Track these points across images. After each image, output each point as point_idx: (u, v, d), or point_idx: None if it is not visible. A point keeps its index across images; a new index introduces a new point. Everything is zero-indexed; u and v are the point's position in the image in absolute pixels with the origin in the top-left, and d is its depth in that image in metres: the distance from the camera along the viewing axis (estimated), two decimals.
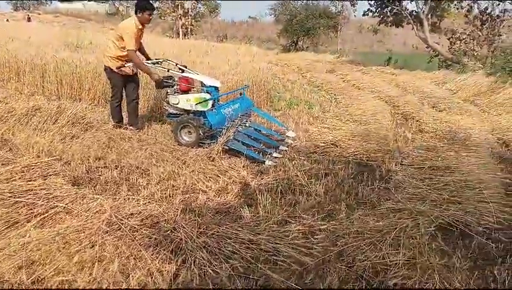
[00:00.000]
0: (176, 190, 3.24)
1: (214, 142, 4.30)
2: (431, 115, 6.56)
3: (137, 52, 4.74)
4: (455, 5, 15.97)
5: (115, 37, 4.61)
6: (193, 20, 31.85)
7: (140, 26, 4.61)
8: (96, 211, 2.58)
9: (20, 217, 2.47)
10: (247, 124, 5.02)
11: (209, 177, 3.58)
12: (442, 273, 2.16)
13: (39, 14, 40.34)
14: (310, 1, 31.08)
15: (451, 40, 15.76)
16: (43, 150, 3.65)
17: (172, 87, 4.67)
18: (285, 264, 2.22)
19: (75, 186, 3.05)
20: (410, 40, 26.71)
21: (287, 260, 2.25)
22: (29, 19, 30.88)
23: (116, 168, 3.56)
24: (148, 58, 4.97)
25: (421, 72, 12.90)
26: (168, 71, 4.67)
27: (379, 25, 18.49)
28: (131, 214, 2.61)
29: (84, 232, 2.33)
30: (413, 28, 16.41)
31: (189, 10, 31.14)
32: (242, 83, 6.69)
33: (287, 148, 4.54)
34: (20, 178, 2.95)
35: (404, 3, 16.61)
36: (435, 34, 17.07)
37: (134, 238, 2.34)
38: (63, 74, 6.65)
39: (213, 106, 4.51)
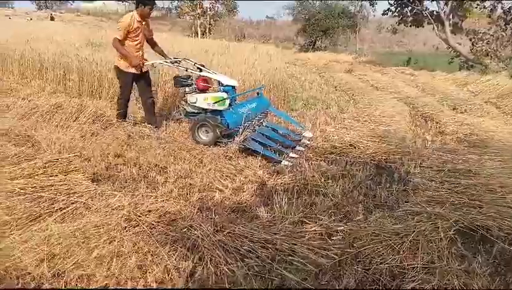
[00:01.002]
0: (193, 188, 3.27)
1: (230, 141, 4.33)
2: (451, 116, 6.43)
3: (153, 49, 4.98)
4: (478, 4, 15.60)
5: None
6: (211, 20, 32.03)
7: (139, 19, 4.67)
8: (115, 207, 2.62)
9: (42, 212, 2.53)
10: (263, 124, 5.03)
11: (226, 176, 3.60)
12: (461, 279, 2.12)
13: (61, 13, 41.18)
14: (329, 0, 30.85)
15: (473, 40, 15.39)
16: (64, 146, 3.72)
17: (191, 86, 4.72)
18: (301, 264, 2.21)
19: (95, 183, 3.11)
20: (431, 41, 26.23)
21: (303, 260, 2.24)
22: (52, 18, 31.56)
23: (134, 166, 3.61)
24: (163, 55, 5.03)
25: (442, 73, 12.68)
26: (186, 70, 4.72)
27: (398, 25, 18.19)
28: (149, 211, 2.65)
29: (103, 227, 2.37)
30: (433, 28, 16.12)
31: (208, 9, 31.33)
32: (259, 83, 6.69)
33: (303, 149, 4.52)
34: (42, 173, 3.03)
35: (425, 3, 16.30)
36: (456, 35, 16.71)
37: (152, 234, 2.37)
38: (84, 72, 6.79)
39: (230, 105, 4.53)
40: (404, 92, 8.94)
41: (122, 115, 4.96)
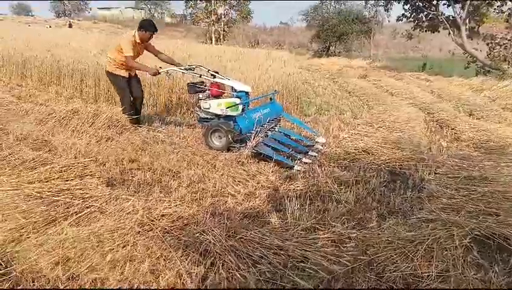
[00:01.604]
0: (205, 193, 3.28)
1: (243, 146, 4.36)
2: (467, 123, 6.34)
3: (165, 61, 5.26)
4: (495, 9, 15.38)
5: (116, 49, 5.04)
6: (225, 26, 32.30)
7: (138, 41, 4.97)
8: (129, 212, 2.65)
9: (57, 215, 2.57)
10: (276, 129, 5.05)
11: (238, 181, 3.60)
12: (477, 288, 2.07)
13: (79, 20, 42.09)
14: (343, 3, 30.79)
15: (490, 45, 15.18)
16: (80, 151, 3.79)
17: (204, 92, 4.77)
18: (313, 271, 2.20)
19: (109, 187, 3.14)
20: (446, 46, 25.93)
21: (315, 267, 2.22)
22: (70, 25, 32.27)
23: (149, 170, 3.65)
24: (172, 63, 5.18)
25: (458, 79, 12.53)
26: (200, 76, 4.78)
27: (414, 30, 18.06)
28: (163, 215, 2.67)
29: (117, 231, 2.39)
30: (449, 33, 15.96)
31: (222, 16, 31.60)
32: (273, 88, 6.71)
33: (316, 154, 4.51)
34: (58, 178, 3.08)
35: (440, 7, 16.16)
36: (473, 40, 16.49)
37: (165, 239, 2.38)
38: (100, 79, 6.92)
39: (243, 110, 4.57)
40: (419, 98, 8.85)
41: (134, 120, 5.15)
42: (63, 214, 2.59)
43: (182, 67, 4.99)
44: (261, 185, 3.55)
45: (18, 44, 9.70)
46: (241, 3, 33.98)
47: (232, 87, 4.72)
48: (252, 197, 3.30)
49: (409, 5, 17.11)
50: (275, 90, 5.72)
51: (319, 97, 9.00)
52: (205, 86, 4.80)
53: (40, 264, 2.08)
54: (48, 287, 1.97)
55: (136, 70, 5.23)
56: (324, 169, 3.91)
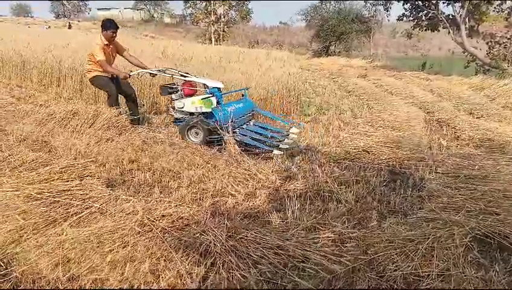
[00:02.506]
0: (205, 193, 3.28)
1: (221, 140, 4.54)
2: (467, 121, 6.34)
3: (135, 64, 5.38)
4: (495, 8, 15.38)
5: (90, 59, 5.17)
6: (225, 26, 32.29)
7: (106, 42, 5.04)
8: (129, 213, 2.65)
9: (57, 216, 2.57)
10: (251, 123, 5.35)
11: (239, 181, 3.60)
12: (478, 287, 2.07)
13: (78, 21, 42.07)
14: (342, 3, 30.79)
15: (490, 44, 15.18)
16: (80, 152, 3.79)
17: (177, 92, 4.93)
18: (313, 271, 2.19)
19: (109, 188, 3.14)
20: (446, 45, 25.94)
21: (316, 267, 2.22)
22: (69, 26, 32.27)
23: (148, 171, 3.65)
24: (143, 67, 5.26)
25: (457, 78, 12.52)
26: (172, 78, 4.95)
27: (413, 29, 18.06)
28: (163, 216, 2.66)
29: (117, 232, 2.39)
30: (449, 32, 15.95)
31: (222, 16, 31.60)
32: (272, 88, 6.72)
33: (292, 141, 4.87)
34: (58, 178, 3.08)
35: (440, 6, 16.15)
36: (473, 39, 16.48)
37: (165, 239, 2.38)
38: None
39: (219, 103, 4.77)
40: (419, 97, 8.84)
41: (134, 120, 5.24)
42: (63, 215, 2.59)
43: (153, 70, 5.14)
44: (262, 185, 3.55)
45: (17, 45, 9.69)
46: (241, 3, 33.96)
47: (205, 84, 4.87)
48: (252, 197, 3.29)
49: (408, 4, 17.10)
50: (246, 87, 5.93)
51: (318, 97, 9.00)
52: (177, 86, 4.94)
53: (40, 265, 2.08)
54: (48, 288, 1.97)
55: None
56: (324, 169, 3.91)
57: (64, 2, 50.85)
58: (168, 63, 8.28)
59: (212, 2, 30.83)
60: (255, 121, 5.54)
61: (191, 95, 4.90)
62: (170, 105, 5.07)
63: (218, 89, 4.90)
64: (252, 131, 4.97)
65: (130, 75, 5.05)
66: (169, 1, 60.16)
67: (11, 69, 8.57)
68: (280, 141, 4.85)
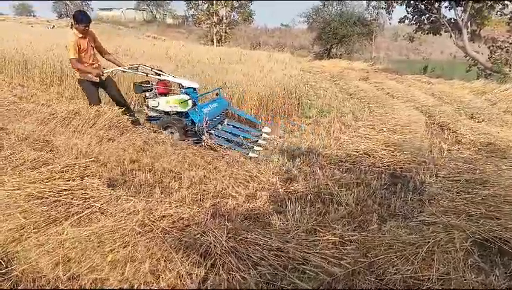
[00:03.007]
0: (206, 194, 3.28)
1: (198, 140, 4.59)
2: (469, 126, 6.33)
3: (111, 61, 5.23)
4: (497, 12, 15.39)
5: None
6: (227, 28, 32.33)
7: (80, 35, 4.83)
8: (130, 213, 2.65)
9: (58, 215, 2.58)
10: (225, 122, 5.46)
11: (239, 182, 3.60)
12: None
13: None
14: (344, 4, 30.81)
15: (491, 48, 15.18)
16: (81, 151, 3.79)
17: (151, 91, 4.93)
18: (313, 273, 2.19)
19: (110, 188, 3.14)
20: (448, 49, 25.95)
21: (316, 269, 2.22)
22: (72, 26, 32.27)
23: (149, 171, 3.65)
24: (116, 63, 5.19)
25: (459, 82, 12.51)
26: (147, 76, 4.92)
27: (415, 33, 18.07)
28: (163, 216, 2.67)
29: (117, 232, 2.40)
30: (451, 36, 15.96)
31: (224, 18, 31.64)
32: (274, 90, 6.72)
33: (265, 142, 5.10)
34: (59, 178, 3.09)
35: (442, 10, 16.17)
36: (474, 43, 16.49)
37: (165, 240, 2.38)
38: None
39: (195, 104, 4.80)
40: (420, 101, 8.84)
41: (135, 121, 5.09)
42: (63, 214, 2.59)
43: (126, 67, 5.04)
44: (262, 187, 3.55)
45: (20, 44, 9.71)
46: (243, 5, 33.99)
47: (180, 84, 4.88)
48: (252, 199, 3.30)
49: (411, 8, 17.11)
50: (220, 86, 6.03)
51: (320, 99, 9.00)
52: (151, 84, 4.95)
53: (41, 264, 2.09)
54: (48, 288, 1.97)
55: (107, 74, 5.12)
56: (325, 171, 3.91)
57: (67, 2, 50.95)
58: (171, 64, 8.30)
59: (214, 3, 30.88)
60: (228, 120, 5.65)
61: (165, 94, 4.91)
62: (144, 103, 5.05)
63: (194, 89, 4.92)
64: (227, 132, 5.08)
65: (103, 73, 4.89)
66: (171, 1, 60.11)
67: (13, 68, 8.59)
68: (255, 142, 5.03)
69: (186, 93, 4.77)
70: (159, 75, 4.94)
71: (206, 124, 4.69)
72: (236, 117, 6.10)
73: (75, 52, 4.76)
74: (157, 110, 4.86)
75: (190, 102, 4.71)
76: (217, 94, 5.62)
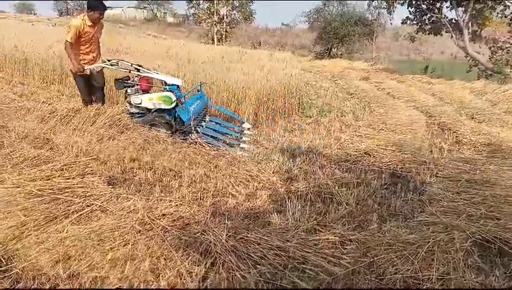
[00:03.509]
0: (206, 193, 3.28)
1: (186, 137, 4.60)
2: (469, 126, 6.33)
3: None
4: (498, 13, 15.38)
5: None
6: (228, 27, 32.31)
7: (89, 24, 4.73)
8: (130, 211, 2.65)
9: (58, 213, 2.57)
10: (207, 119, 5.48)
11: (239, 181, 3.60)
12: None
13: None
14: (345, 5, 30.78)
15: (492, 49, 15.18)
16: (82, 149, 3.79)
17: (133, 87, 4.86)
18: (313, 273, 2.19)
19: (111, 186, 3.14)
20: (449, 49, 25.93)
21: (316, 268, 2.22)
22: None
23: (150, 170, 3.65)
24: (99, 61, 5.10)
25: (459, 82, 12.51)
26: (130, 72, 4.87)
27: (417, 33, 18.05)
28: (163, 214, 2.67)
29: (117, 230, 2.39)
30: (452, 37, 15.95)
31: (225, 17, 31.62)
32: (274, 90, 6.72)
33: (248, 139, 5.24)
34: (59, 176, 3.09)
35: (443, 11, 16.15)
36: (475, 43, 16.48)
37: (165, 238, 2.38)
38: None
39: (182, 103, 4.77)
40: (421, 101, 8.84)
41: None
42: (64, 212, 2.59)
43: (107, 63, 4.94)
44: (262, 186, 3.55)
45: (20, 42, 9.70)
46: (244, 4, 33.96)
47: (163, 81, 4.84)
48: (252, 198, 3.30)
49: (413, 8, 17.09)
50: (201, 82, 5.93)
51: (320, 99, 9.00)
52: (133, 80, 4.88)
53: (41, 261, 2.08)
54: (48, 285, 1.97)
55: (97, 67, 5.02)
56: (325, 170, 3.91)
57: (68, 1, 50.96)
58: (172, 63, 8.29)
59: (215, 2, 30.86)
60: (210, 117, 5.68)
61: (147, 91, 4.87)
62: (126, 100, 5.00)
63: (177, 86, 4.86)
64: (212, 129, 5.12)
65: (84, 69, 4.81)
66: (172, 0, 60.08)
67: (14, 66, 8.59)
68: (239, 139, 5.16)
69: (170, 90, 4.73)
70: (138, 70, 4.86)
71: (193, 120, 4.71)
72: (213, 113, 6.19)
73: (73, 36, 4.65)
74: (139, 107, 4.81)
75: (174, 100, 4.67)
76: (198, 90, 5.57)
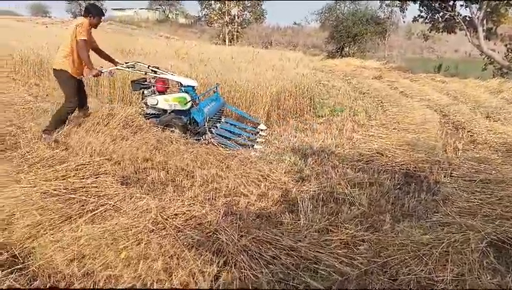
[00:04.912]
0: (218, 192, 3.30)
1: (198, 139, 4.63)
2: (484, 125, 6.23)
3: (107, 58, 4.83)
4: None
5: (72, 37, 4.34)
6: (239, 27, 32.38)
7: (88, 28, 4.47)
8: (143, 210, 2.68)
9: (73, 213, 2.62)
10: (222, 120, 5.55)
11: (251, 181, 3.61)
12: None
13: None
14: (357, 3, 30.52)
15: (508, 46, 14.90)
16: (95, 150, 3.84)
17: (149, 88, 4.92)
18: (325, 273, 2.19)
19: (124, 186, 3.18)
20: (463, 47, 25.55)
21: (328, 269, 2.21)
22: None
23: (162, 170, 3.68)
24: (112, 61, 4.88)
25: (474, 80, 12.32)
26: (146, 74, 4.91)
27: (430, 32, 17.81)
28: (176, 214, 2.69)
29: (131, 230, 2.42)
30: (466, 34, 15.69)
31: (236, 17, 31.69)
32: (286, 89, 6.70)
33: (263, 140, 5.26)
34: (74, 176, 3.14)
35: (457, 8, 15.91)
36: (490, 41, 16.19)
37: (178, 238, 2.40)
38: (115, 79, 6.99)
39: (196, 104, 4.81)
40: (434, 100, 8.73)
41: (60, 126, 4.36)
42: (78, 212, 2.63)
43: (124, 65, 4.87)
44: (274, 186, 3.55)
45: (35, 45, 9.86)
46: (255, 4, 33.98)
47: (179, 82, 4.88)
48: (264, 198, 3.30)
49: (425, 6, 16.87)
50: (217, 83, 5.96)
51: (332, 98, 8.95)
52: (149, 82, 4.95)
53: (56, 260, 2.12)
54: (63, 283, 2.00)
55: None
56: (337, 171, 3.89)
57: (81, 2, 51.61)
58: (185, 64, 8.33)
59: (226, 3, 30.95)
60: (225, 118, 5.72)
61: (163, 92, 4.90)
62: (142, 101, 5.04)
63: (193, 87, 4.91)
64: (227, 130, 5.16)
65: (101, 72, 4.56)
66: (183, 1, 60.39)
67: (30, 68, 8.74)
68: (254, 140, 5.16)
69: (186, 92, 4.77)
70: (155, 72, 4.90)
71: (208, 122, 4.75)
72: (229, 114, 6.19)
73: (85, 33, 4.30)
74: (155, 107, 4.86)
75: (190, 101, 4.71)
76: (214, 91, 5.62)
